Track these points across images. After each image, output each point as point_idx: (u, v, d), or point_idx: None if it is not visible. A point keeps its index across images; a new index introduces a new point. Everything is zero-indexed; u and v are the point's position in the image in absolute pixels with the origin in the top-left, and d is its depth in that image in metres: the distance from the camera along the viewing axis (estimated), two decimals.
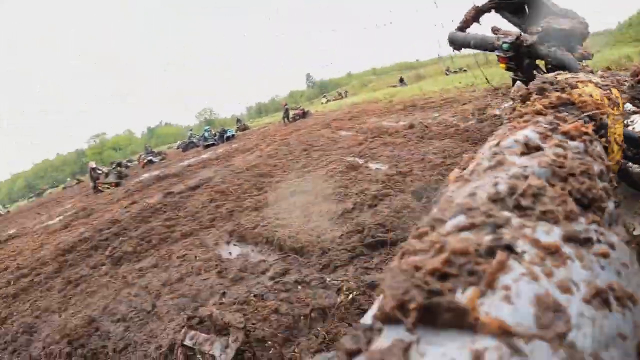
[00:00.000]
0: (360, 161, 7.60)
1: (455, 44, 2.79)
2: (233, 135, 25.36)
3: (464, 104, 11.48)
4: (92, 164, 18.98)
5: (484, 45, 2.53)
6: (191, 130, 36.28)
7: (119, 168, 22.17)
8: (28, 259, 7.48)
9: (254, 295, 2.91)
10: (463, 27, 2.83)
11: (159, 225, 6.56)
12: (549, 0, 2.26)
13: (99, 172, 19.46)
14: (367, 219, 4.21)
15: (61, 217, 12.53)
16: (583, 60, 1.94)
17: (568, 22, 1.88)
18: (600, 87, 1.13)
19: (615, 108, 1.14)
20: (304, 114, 24.74)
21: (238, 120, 35.86)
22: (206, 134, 26.75)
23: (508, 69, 2.28)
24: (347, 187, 5.70)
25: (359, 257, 3.51)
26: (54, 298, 5.19)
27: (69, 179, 45.23)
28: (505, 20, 3.30)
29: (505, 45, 2.09)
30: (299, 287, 2.70)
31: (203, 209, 6.92)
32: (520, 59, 2.15)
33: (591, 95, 1.03)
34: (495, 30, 2.50)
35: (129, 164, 30.38)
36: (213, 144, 24.31)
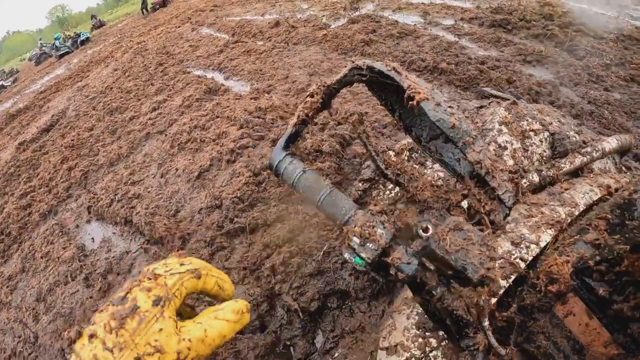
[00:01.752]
0: (220, 79, 6.76)
1: (282, 179, 1.04)
2: (88, 38, 21.39)
3: None
4: None
5: (330, 217, 0.99)
6: (41, 39, 29.59)
7: None
8: None
9: None
10: (292, 139, 1.04)
11: (16, 208, 5.45)
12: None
13: None
14: (225, 188, 3.72)
15: None
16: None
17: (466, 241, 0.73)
18: None
19: None
20: (164, 3, 21.19)
21: (93, 17, 30.23)
22: (57, 43, 22.08)
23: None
24: (204, 129, 5.01)
25: (219, 252, 3.13)
26: None
27: None
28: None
29: (357, 261, 0.87)
30: None
31: (56, 174, 5.85)
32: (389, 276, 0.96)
33: None
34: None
35: None
36: (67, 52, 20.43)
